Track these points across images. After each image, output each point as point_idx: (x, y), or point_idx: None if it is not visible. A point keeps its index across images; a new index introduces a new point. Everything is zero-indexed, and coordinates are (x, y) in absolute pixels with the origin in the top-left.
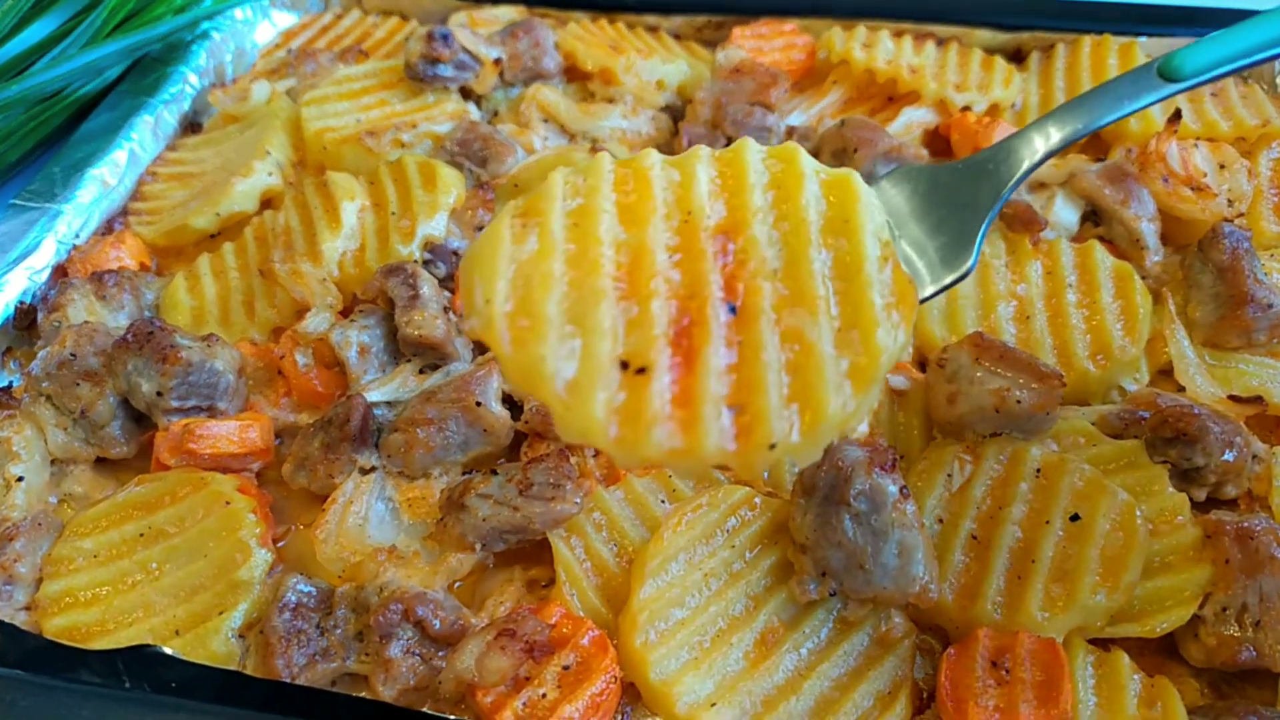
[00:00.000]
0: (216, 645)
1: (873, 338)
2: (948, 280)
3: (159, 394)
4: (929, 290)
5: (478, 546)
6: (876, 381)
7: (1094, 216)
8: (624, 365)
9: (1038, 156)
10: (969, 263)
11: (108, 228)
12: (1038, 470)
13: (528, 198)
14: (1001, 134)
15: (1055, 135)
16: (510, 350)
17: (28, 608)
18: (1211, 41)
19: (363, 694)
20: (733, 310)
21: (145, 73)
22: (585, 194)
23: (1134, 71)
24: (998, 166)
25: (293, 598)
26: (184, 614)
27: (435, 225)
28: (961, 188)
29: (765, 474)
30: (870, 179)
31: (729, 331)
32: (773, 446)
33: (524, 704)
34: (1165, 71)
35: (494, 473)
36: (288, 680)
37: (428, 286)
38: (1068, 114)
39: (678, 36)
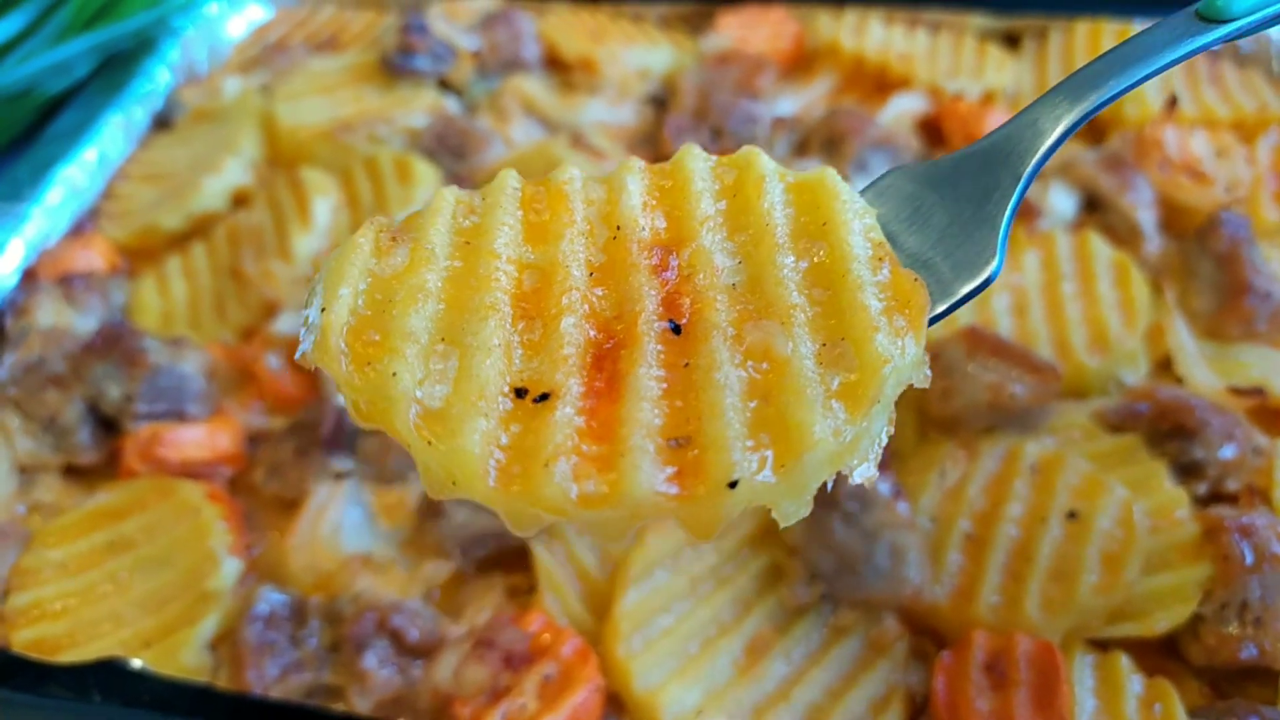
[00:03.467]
0: (187, 658)
1: (869, 346)
2: (970, 287)
3: (127, 399)
4: (945, 303)
5: (456, 553)
6: (877, 402)
7: (1091, 204)
8: (519, 394)
9: (1061, 128)
10: (993, 264)
11: (77, 229)
12: (1034, 467)
13: (406, 214)
14: (995, 121)
15: (1077, 104)
16: (350, 370)
17: None
18: None
19: (338, 706)
20: (676, 329)
21: (115, 70)
22: (483, 212)
23: (1168, 20)
24: (1012, 149)
25: (264, 608)
26: (154, 626)
27: None
28: (970, 180)
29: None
30: (861, 169)
31: (669, 354)
32: (734, 484)
33: (503, 716)
34: (1207, 12)
35: None
36: (260, 693)
37: None
38: (1091, 76)
39: (662, 24)
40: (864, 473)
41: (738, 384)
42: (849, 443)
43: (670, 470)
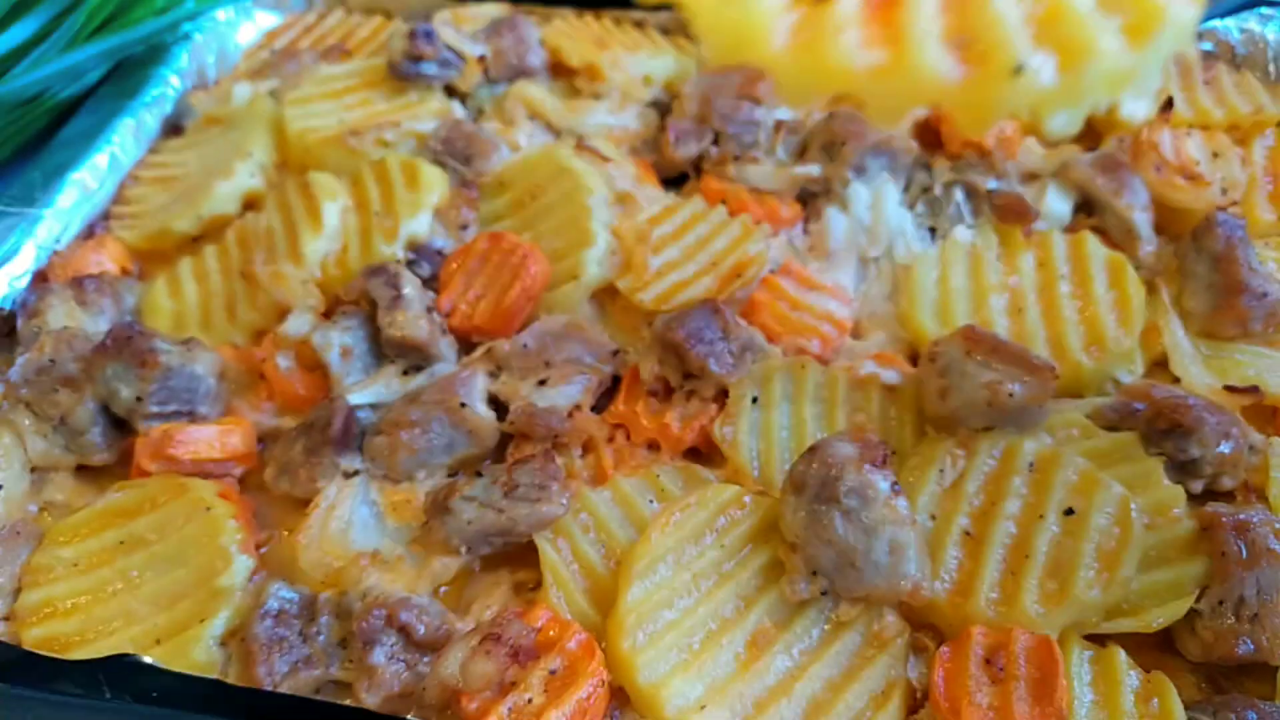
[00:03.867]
0: (198, 654)
1: (1150, 1)
2: None
3: (138, 399)
4: None
5: (463, 550)
6: (1154, 42)
7: (1086, 207)
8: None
9: None
10: None
11: (89, 232)
12: (1031, 464)
13: None
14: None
15: None
16: None
17: (6, 618)
18: None
19: (347, 702)
20: None
21: (126, 75)
22: None
23: None
24: None
25: (274, 605)
26: (165, 622)
27: (418, 224)
28: None
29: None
30: (860, 173)
31: None
32: (1018, 70)
33: (510, 710)
34: None
35: (479, 475)
36: (270, 689)
37: (410, 287)
38: None
39: (665, 31)
40: (1137, 110)
41: (1018, 11)
42: (1127, 68)
43: (954, 55)
